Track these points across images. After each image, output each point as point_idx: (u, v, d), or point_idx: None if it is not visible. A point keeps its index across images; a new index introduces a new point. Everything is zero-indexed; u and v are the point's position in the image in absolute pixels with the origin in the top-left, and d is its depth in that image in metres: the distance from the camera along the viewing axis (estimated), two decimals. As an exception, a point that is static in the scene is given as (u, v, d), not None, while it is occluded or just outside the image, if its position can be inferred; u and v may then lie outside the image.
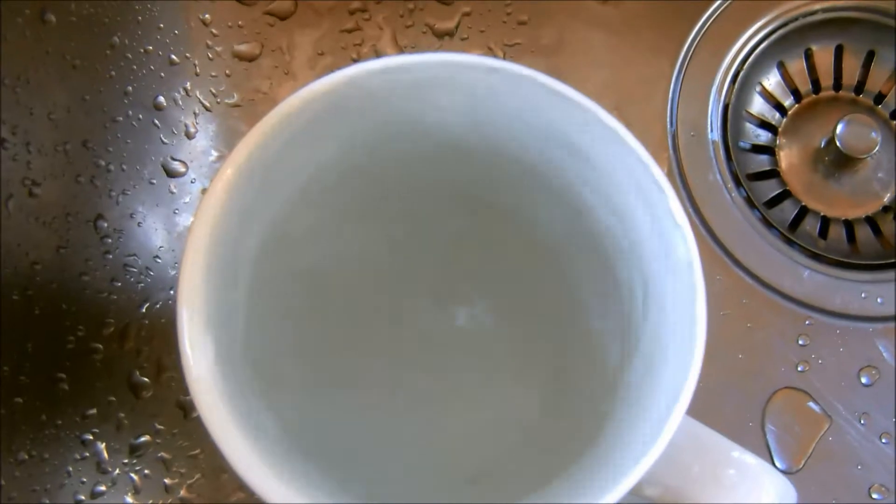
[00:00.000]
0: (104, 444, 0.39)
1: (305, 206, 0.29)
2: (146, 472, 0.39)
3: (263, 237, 0.28)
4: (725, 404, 0.40)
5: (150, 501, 0.39)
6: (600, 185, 0.28)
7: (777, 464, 0.39)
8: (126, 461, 0.39)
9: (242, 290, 0.27)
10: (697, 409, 0.25)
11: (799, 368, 0.40)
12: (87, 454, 0.39)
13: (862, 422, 0.39)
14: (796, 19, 0.45)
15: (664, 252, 0.26)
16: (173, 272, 0.41)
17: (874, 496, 0.38)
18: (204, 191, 0.42)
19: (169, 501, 0.39)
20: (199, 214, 0.25)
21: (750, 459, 0.27)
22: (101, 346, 0.40)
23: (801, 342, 0.40)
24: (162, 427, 0.39)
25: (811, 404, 0.40)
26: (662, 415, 0.25)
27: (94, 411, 0.39)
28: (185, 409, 0.39)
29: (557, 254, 0.33)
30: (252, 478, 0.23)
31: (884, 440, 0.39)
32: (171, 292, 0.41)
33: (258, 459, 0.23)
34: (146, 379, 0.40)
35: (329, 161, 0.29)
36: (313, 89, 0.26)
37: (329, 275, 0.34)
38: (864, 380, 0.40)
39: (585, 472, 0.26)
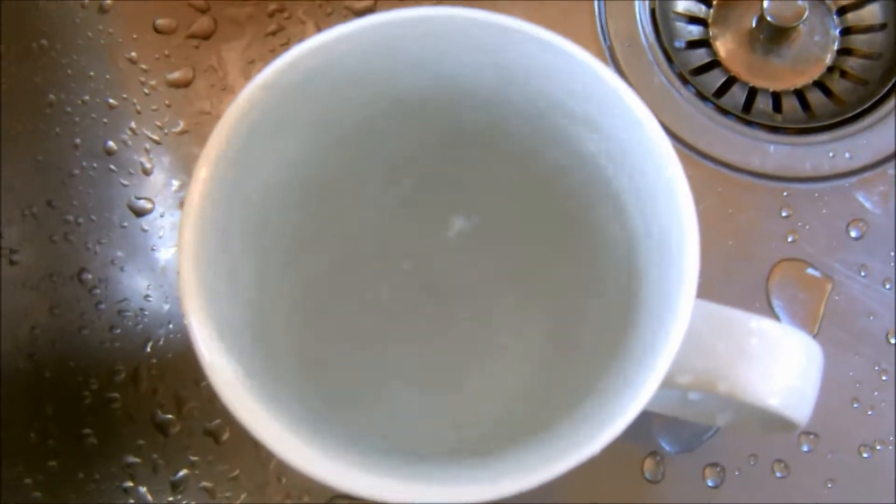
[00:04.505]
0: (145, 487, 0.39)
1: (291, 181, 0.30)
2: (193, 504, 0.39)
3: (253, 229, 0.28)
4: (728, 292, 0.40)
5: (205, 531, 0.39)
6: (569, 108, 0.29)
7: (793, 335, 0.39)
8: (171, 499, 0.39)
9: (247, 284, 0.27)
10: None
11: (789, 239, 0.40)
12: (132, 501, 0.39)
13: (862, 273, 0.40)
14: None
15: (641, 153, 0.27)
16: (167, 306, 0.41)
17: (892, 341, 0.39)
18: (176, 223, 0.42)
19: (223, 527, 0.39)
20: (184, 218, 0.25)
21: (769, 326, 0.27)
22: (117, 394, 0.40)
23: (784, 214, 0.41)
24: (196, 458, 0.39)
25: (810, 270, 0.40)
26: (674, 303, 0.25)
27: (127, 458, 0.39)
28: (215, 435, 0.39)
29: (556, 177, 0.33)
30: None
31: (887, 286, 0.40)
32: (171, 326, 0.41)
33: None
34: (170, 415, 0.40)
35: (303, 138, 0.29)
36: (275, 69, 0.27)
37: (333, 249, 0.34)
38: (853, 233, 0.40)
39: (613, 380, 0.27)
